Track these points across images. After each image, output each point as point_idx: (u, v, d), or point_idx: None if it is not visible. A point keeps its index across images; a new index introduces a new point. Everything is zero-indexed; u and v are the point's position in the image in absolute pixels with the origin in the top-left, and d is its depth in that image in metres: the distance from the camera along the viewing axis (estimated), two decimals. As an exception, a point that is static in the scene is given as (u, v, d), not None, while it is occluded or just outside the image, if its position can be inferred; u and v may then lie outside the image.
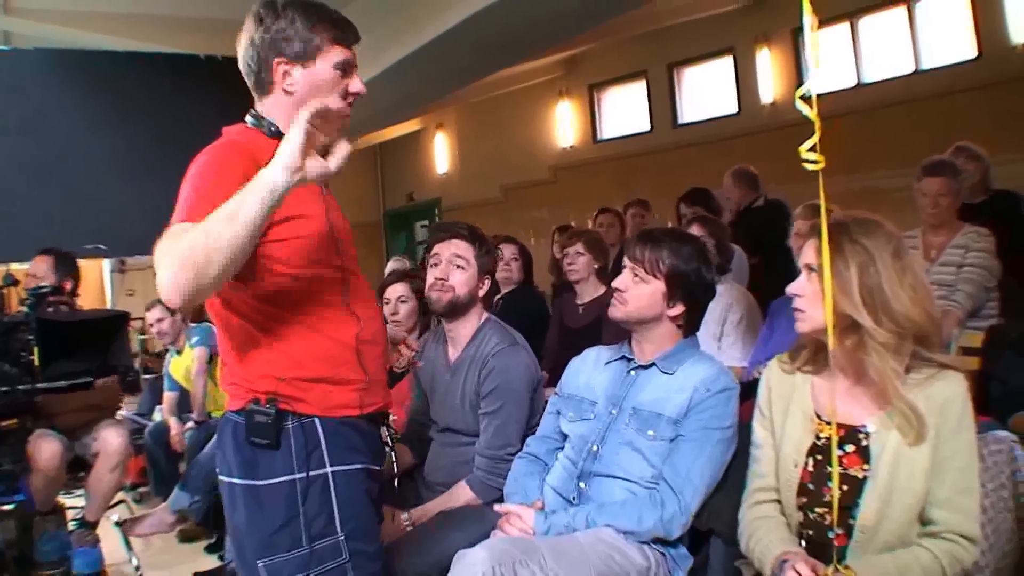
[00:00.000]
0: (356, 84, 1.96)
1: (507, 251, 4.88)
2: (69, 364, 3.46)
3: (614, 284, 2.44)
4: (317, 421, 1.87)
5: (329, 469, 1.87)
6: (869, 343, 1.82)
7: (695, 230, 3.68)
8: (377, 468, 2.01)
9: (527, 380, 2.75)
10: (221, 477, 1.92)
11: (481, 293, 2.85)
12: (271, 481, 1.83)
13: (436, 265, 2.81)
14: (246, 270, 1.69)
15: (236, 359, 1.88)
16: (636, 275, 2.38)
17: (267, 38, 1.87)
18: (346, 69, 1.94)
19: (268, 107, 1.95)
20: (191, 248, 1.55)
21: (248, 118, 1.97)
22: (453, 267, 2.78)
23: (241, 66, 1.95)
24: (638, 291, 2.37)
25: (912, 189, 3.95)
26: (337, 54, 1.92)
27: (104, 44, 6.65)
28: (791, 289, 1.98)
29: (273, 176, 1.57)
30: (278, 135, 1.84)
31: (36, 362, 3.21)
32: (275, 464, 1.83)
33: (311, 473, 1.85)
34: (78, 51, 6.32)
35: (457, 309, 2.82)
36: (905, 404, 1.79)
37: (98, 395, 3.93)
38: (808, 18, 1.42)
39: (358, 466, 1.93)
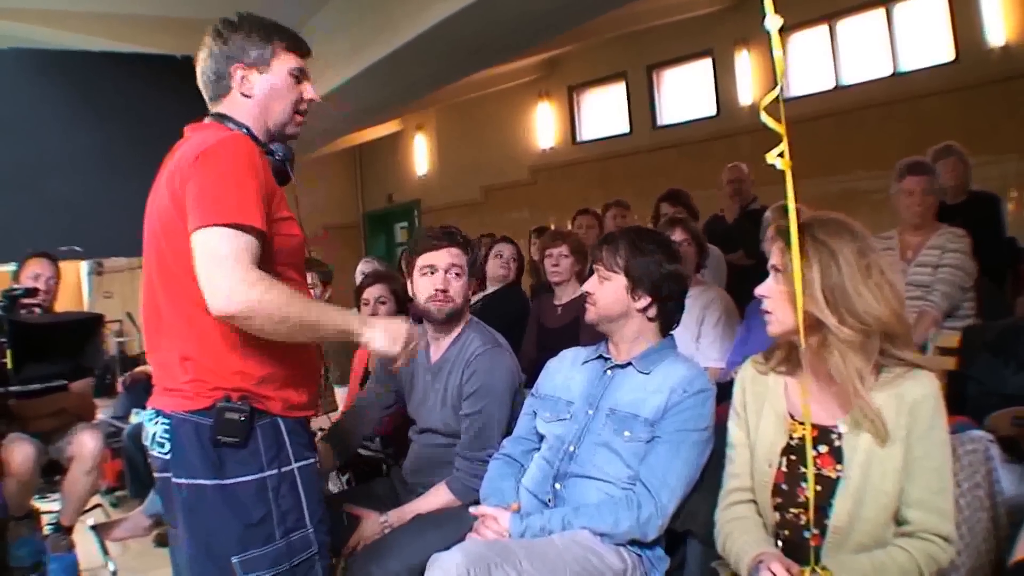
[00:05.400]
0: (309, 91, 2.11)
1: (507, 251, 5.10)
2: (43, 367, 3.42)
3: (583, 288, 2.51)
4: (280, 420, 1.94)
5: (295, 465, 1.95)
6: (833, 342, 1.82)
7: (677, 235, 3.68)
8: None
9: (509, 382, 2.74)
10: (178, 480, 1.90)
11: (469, 297, 2.88)
12: (242, 479, 1.87)
13: (432, 274, 2.75)
14: None
15: (204, 356, 1.88)
16: (600, 276, 2.44)
17: (226, 48, 2.02)
18: (299, 76, 2.09)
19: (226, 108, 2.04)
20: (289, 318, 1.80)
21: (211, 120, 2.06)
22: (452, 277, 2.76)
23: (200, 78, 2.07)
24: (604, 290, 2.42)
25: (892, 189, 3.95)
26: (291, 60, 2.07)
27: (80, 44, 6.58)
28: (759, 291, 1.98)
29: (363, 332, 1.94)
30: (251, 135, 2.00)
31: (9, 365, 3.18)
32: (244, 462, 1.88)
33: (282, 469, 1.92)
34: (53, 51, 6.24)
35: (454, 317, 2.80)
36: (865, 404, 1.80)
37: (73, 401, 3.90)
38: (772, 19, 1.42)
39: (312, 461, 2.02)
